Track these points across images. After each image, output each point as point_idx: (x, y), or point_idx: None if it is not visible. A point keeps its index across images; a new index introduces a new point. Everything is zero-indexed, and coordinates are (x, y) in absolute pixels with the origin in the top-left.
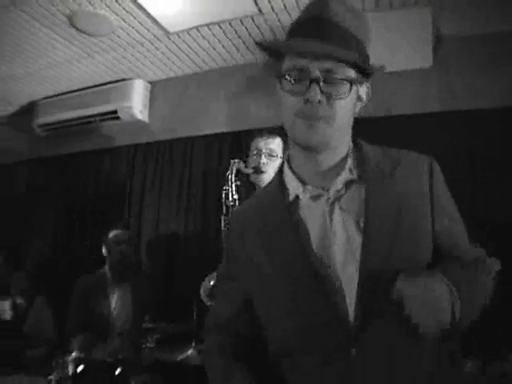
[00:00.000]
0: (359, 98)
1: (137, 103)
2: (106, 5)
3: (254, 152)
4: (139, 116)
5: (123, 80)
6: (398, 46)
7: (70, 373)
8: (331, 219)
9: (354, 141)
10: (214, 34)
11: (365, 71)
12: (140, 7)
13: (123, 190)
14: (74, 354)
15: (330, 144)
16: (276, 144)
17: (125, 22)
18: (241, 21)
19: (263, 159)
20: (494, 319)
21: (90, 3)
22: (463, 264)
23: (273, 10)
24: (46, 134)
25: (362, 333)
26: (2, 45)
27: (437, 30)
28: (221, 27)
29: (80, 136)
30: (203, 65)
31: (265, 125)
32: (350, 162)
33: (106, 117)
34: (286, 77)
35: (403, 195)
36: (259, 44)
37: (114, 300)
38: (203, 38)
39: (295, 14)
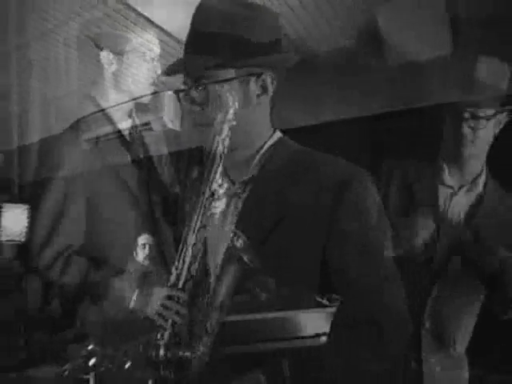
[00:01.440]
0: (263, 89)
1: (168, 113)
2: (121, 25)
3: None
4: (170, 125)
5: (155, 93)
6: (411, 36)
7: (83, 365)
8: (224, 215)
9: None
10: None
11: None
12: (151, 22)
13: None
14: (89, 348)
15: None
16: None
17: (142, 38)
18: None
19: None
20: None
21: (109, 25)
22: None
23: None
24: (93, 148)
25: None
26: (45, 70)
27: (453, 13)
28: None
29: (121, 147)
30: None
31: (289, 126)
32: (256, 159)
33: (141, 128)
34: None
35: (293, 203)
36: None
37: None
38: None
39: (303, 15)
